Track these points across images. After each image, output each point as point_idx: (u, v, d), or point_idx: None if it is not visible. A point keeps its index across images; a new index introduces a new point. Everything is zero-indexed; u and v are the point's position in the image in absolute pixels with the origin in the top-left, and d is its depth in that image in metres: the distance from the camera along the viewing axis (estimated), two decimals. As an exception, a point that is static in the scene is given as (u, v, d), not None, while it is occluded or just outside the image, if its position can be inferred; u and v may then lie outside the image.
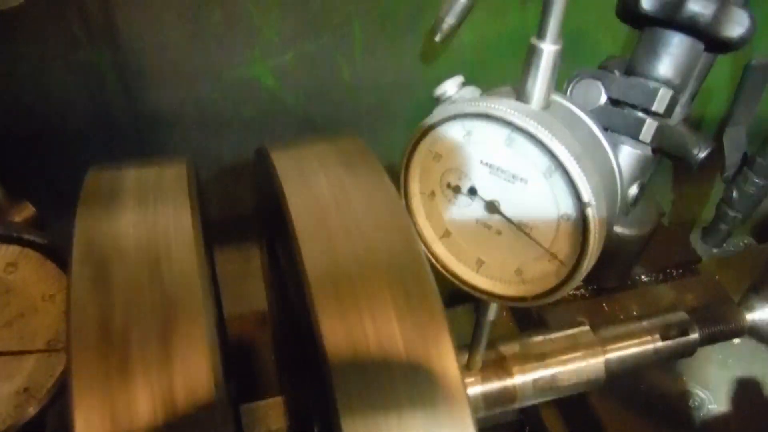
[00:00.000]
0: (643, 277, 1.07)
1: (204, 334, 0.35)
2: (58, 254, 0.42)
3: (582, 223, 0.43)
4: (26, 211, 0.45)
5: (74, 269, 0.34)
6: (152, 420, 0.32)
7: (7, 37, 0.69)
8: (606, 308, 0.99)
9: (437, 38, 0.77)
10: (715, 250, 1.13)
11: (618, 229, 0.79)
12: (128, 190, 0.44)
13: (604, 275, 0.99)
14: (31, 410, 0.44)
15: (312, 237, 0.41)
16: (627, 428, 0.82)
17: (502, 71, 0.92)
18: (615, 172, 0.46)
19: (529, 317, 0.96)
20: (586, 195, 0.42)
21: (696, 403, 0.87)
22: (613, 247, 0.63)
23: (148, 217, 0.41)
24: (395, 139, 0.93)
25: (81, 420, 0.31)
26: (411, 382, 0.36)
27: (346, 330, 0.37)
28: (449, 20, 0.78)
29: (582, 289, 1.01)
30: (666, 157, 0.51)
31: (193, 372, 0.34)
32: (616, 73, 0.50)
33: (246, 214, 0.75)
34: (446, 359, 0.37)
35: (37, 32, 0.70)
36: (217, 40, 0.77)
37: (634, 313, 0.94)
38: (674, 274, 1.06)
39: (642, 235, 0.84)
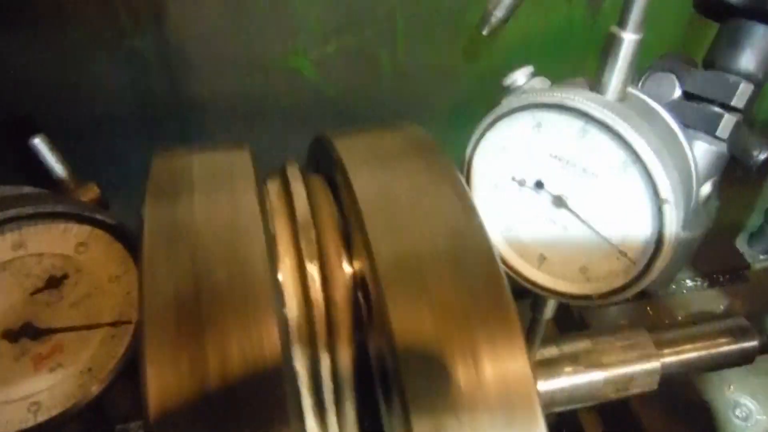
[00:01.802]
0: (688, 281, 1.04)
1: (273, 310, 0.35)
2: (125, 236, 0.42)
3: (658, 220, 0.41)
4: (92, 192, 0.45)
5: (146, 245, 0.34)
6: (221, 384, 0.32)
7: (61, 25, 0.70)
8: (650, 312, 0.96)
9: (484, 31, 0.76)
10: (762, 257, 1.10)
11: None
12: (195, 172, 0.44)
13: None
14: (94, 389, 0.44)
15: (379, 224, 0.40)
16: None
17: (545, 68, 0.90)
18: (692, 168, 0.45)
19: (570, 319, 0.94)
20: (665, 191, 0.40)
21: (743, 414, 0.85)
22: None
23: (215, 198, 0.41)
24: (435, 133, 0.92)
25: (153, 384, 0.30)
26: (482, 380, 0.35)
27: (415, 322, 0.36)
28: (498, 13, 0.76)
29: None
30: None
31: (265, 344, 0.34)
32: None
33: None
34: (519, 359, 0.36)
35: (88, 20, 0.71)
36: (261, 31, 0.76)
37: (680, 318, 0.91)
38: (721, 279, 1.03)
39: (692, 239, 0.82)
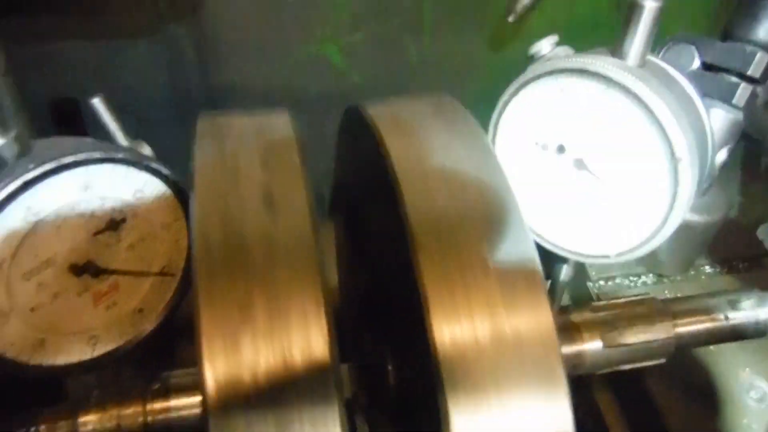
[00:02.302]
0: (707, 267, 1.05)
1: (316, 270, 0.38)
2: (177, 186, 0.46)
3: (673, 178, 0.44)
4: (144, 150, 0.49)
5: (198, 198, 0.37)
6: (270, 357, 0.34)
7: (102, 10, 0.74)
8: (668, 295, 0.97)
9: (510, 18, 0.79)
10: (782, 245, 1.11)
11: (686, 215, 0.79)
12: (240, 132, 0.47)
13: (668, 263, 0.98)
14: (145, 329, 0.48)
15: (415, 188, 0.42)
16: (685, 417, 0.81)
17: None
18: (707, 133, 0.47)
19: (586, 293, 0.95)
20: (680, 150, 0.43)
21: (758, 395, 0.86)
22: (679, 233, 0.63)
23: (260, 157, 0.44)
24: None
25: (206, 347, 0.33)
26: (509, 345, 0.37)
27: (447, 283, 0.38)
28: (524, 0, 0.79)
29: (644, 276, 1.01)
30: (745, 141, 0.51)
31: (306, 306, 0.36)
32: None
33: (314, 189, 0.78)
34: (544, 323, 0.38)
35: (127, 6, 0.74)
36: (292, 18, 0.79)
37: (696, 300, 0.92)
38: (740, 266, 1.04)
39: (710, 223, 0.84)
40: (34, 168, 0.39)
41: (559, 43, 0.50)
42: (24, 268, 0.41)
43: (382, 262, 0.57)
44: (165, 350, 0.57)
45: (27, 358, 0.43)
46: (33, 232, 0.40)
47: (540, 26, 0.87)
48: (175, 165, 0.84)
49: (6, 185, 0.38)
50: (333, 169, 0.68)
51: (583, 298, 0.95)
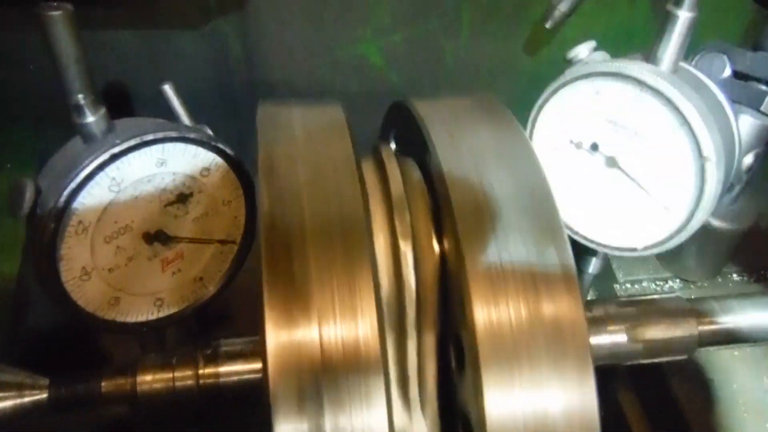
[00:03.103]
0: (734, 275, 1.05)
1: (367, 252, 0.41)
2: (238, 166, 0.51)
3: (700, 177, 0.47)
4: (206, 130, 0.53)
5: (262, 181, 0.41)
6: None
7: (154, 3, 0.78)
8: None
9: (548, 24, 0.81)
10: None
11: (714, 221, 0.80)
12: (298, 121, 0.51)
13: (695, 269, 0.99)
14: (204, 295, 0.53)
15: (458, 180, 0.45)
16: (708, 419, 0.82)
17: None
18: (735, 137, 0.50)
19: (610, 290, 0.97)
20: (707, 150, 0.46)
21: (780, 402, 0.86)
22: (706, 239, 0.64)
23: (317, 145, 0.48)
24: None
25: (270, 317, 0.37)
26: (541, 330, 0.40)
27: (487, 269, 0.41)
28: (561, 8, 0.81)
29: (670, 281, 1.02)
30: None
31: (359, 285, 0.40)
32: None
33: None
34: (575, 310, 0.40)
35: (177, 2, 0.77)
36: (334, 18, 0.81)
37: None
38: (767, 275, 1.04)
39: (739, 230, 0.85)
40: (120, 143, 0.44)
41: (595, 49, 0.53)
42: (105, 233, 0.46)
43: None
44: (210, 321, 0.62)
45: (103, 314, 0.48)
46: (115, 201, 0.46)
47: (576, 32, 0.88)
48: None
49: (96, 157, 0.43)
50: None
51: (600, 288, 0.97)
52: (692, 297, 0.97)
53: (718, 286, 1.01)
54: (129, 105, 0.82)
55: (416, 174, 0.50)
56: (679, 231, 0.50)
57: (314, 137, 0.49)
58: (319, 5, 0.80)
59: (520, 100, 0.93)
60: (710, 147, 0.45)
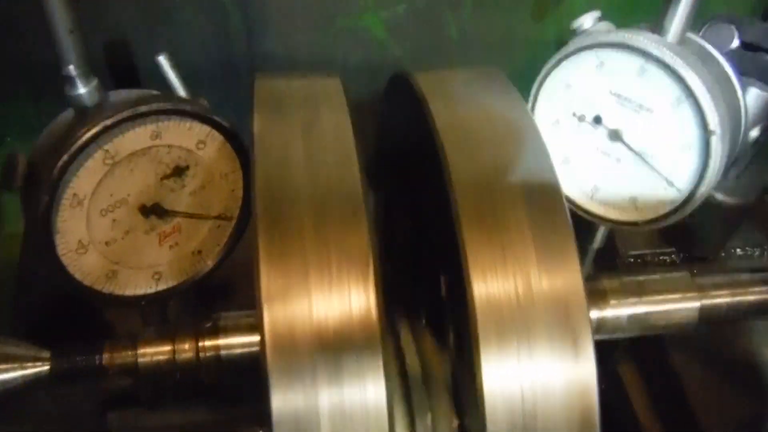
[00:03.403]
0: (738, 250, 1.05)
1: (365, 225, 0.41)
2: (236, 139, 0.50)
3: (705, 151, 0.46)
4: (203, 102, 0.52)
5: (257, 156, 0.41)
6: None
7: None
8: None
9: None
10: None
11: (719, 196, 0.80)
12: (296, 94, 0.51)
13: (698, 243, 0.99)
14: (202, 269, 0.53)
15: (458, 149, 0.45)
16: (709, 395, 0.82)
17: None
18: (741, 109, 0.49)
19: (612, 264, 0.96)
20: (713, 123, 0.45)
21: (786, 381, 0.86)
22: (710, 213, 0.63)
23: (314, 119, 0.47)
24: None
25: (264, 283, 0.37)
26: (541, 300, 0.40)
27: (486, 241, 0.41)
28: None
29: (673, 255, 1.01)
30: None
31: (354, 252, 0.40)
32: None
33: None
34: (575, 285, 0.40)
35: None
36: None
37: (725, 282, 0.93)
38: (773, 249, 1.03)
39: (743, 205, 0.84)
40: (113, 115, 0.43)
41: (600, 19, 0.52)
42: (101, 205, 0.46)
43: (422, 225, 0.61)
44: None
45: (101, 287, 0.48)
46: (110, 174, 0.45)
47: (581, 3, 0.87)
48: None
49: (88, 129, 0.42)
50: (371, 136, 0.70)
51: (604, 261, 0.96)
52: (694, 272, 0.98)
53: (721, 261, 1.01)
54: (136, 76, 0.81)
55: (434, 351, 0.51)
56: (682, 206, 0.49)
57: (311, 110, 0.49)
58: None
59: (527, 71, 0.92)
60: (716, 120, 0.44)
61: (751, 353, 0.86)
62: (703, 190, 0.47)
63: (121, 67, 0.82)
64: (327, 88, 0.53)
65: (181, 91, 0.51)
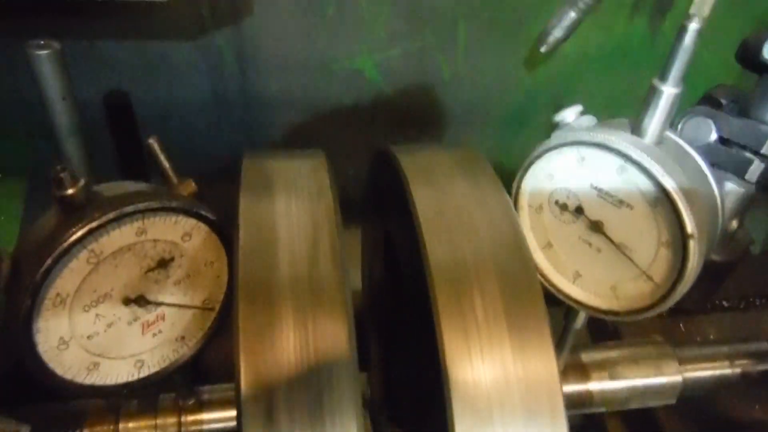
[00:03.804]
0: (724, 302, 1.06)
1: (344, 309, 0.42)
2: (220, 229, 0.51)
3: (682, 251, 0.47)
4: (190, 188, 0.53)
5: (242, 243, 0.42)
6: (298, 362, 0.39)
7: (147, 13, 0.76)
8: (683, 329, 0.99)
9: (542, 49, 0.81)
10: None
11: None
12: (279, 178, 0.51)
13: (685, 296, 0.99)
14: (185, 354, 0.53)
15: (436, 237, 0.46)
16: None
17: (600, 83, 0.93)
18: (718, 206, 0.50)
19: (604, 327, 0.98)
20: (690, 227, 0.46)
21: (768, 431, 0.87)
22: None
23: (298, 202, 0.48)
24: (487, 137, 0.97)
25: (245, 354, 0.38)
26: (516, 387, 0.41)
27: (462, 327, 0.43)
28: (556, 33, 0.81)
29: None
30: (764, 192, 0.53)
31: (332, 333, 0.41)
32: (726, 108, 0.53)
33: (344, 197, 0.81)
34: (548, 365, 0.42)
35: (173, 11, 0.76)
36: (329, 33, 0.81)
37: (711, 337, 0.94)
38: (757, 303, 1.05)
39: (728, 262, 0.85)
40: (99, 217, 0.43)
41: (582, 113, 0.53)
42: (84, 302, 0.46)
43: (401, 281, 0.61)
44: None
45: (82, 379, 0.48)
46: (94, 270, 0.45)
47: (572, 49, 0.88)
48: (211, 162, 0.88)
49: (74, 233, 0.43)
50: (363, 180, 0.70)
51: (597, 323, 0.97)
52: (681, 325, 0.98)
53: (707, 313, 1.02)
54: (131, 114, 0.83)
55: None
56: (661, 300, 0.50)
57: (295, 197, 0.50)
58: (314, 19, 0.80)
59: (518, 114, 0.94)
60: (692, 225, 0.45)
61: (735, 408, 0.87)
62: (681, 288, 0.48)
63: (120, 116, 0.83)
64: (313, 170, 0.54)
65: (170, 174, 0.52)
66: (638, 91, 0.95)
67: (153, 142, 0.52)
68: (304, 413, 0.38)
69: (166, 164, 0.52)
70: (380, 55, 0.85)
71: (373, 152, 0.64)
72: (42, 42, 0.38)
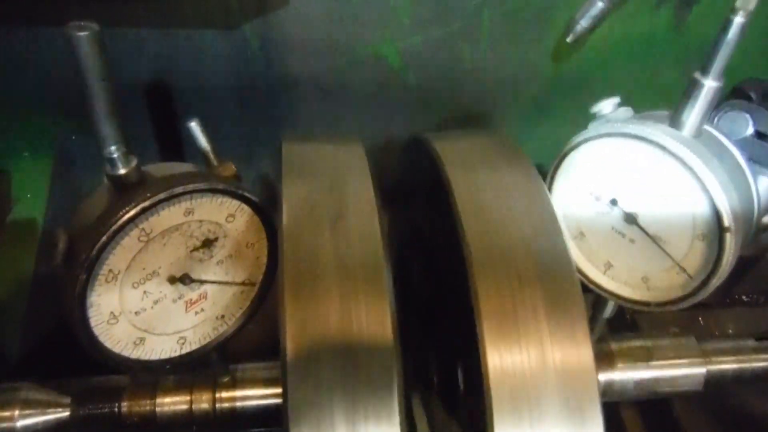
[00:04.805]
0: (743, 297, 1.06)
1: (385, 288, 0.44)
2: (263, 211, 0.52)
3: (718, 245, 0.48)
4: (230, 170, 0.54)
5: (286, 225, 0.44)
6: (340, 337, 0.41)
7: (176, 3, 0.77)
8: (701, 322, 0.99)
9: (569, 39, 0.81)
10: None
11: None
12: (319, 161, 0.53)
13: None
14: (225, 332, 0.55)
15: (474, 222, 0.47)
16: None
17: (624, 73, 0.93)
18: (754, 201, 0.51)
19: (623, 320, 0.99)
20: (728, 221, 0.46)
21: (791, 428, 0.87)
22: None
23: (339, 185, 0.50)
24: (509, 126, 0.97)
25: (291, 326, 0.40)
26: (552, 375, 0.42)
27: (500, 313, 0.44)
28: (583, 23, 0.81)
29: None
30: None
31: (375, 312, 0.42)
32: (756, 102, 0.53)
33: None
34: (584, 352, 0.43)
35: (200, 2, 0.77)
36: (354, 18, 0.82)
37: (730, 331, 0.95)
38: (777, 298, 1.05)
39: (752, 257, 0.86)
40: (151, 197, 0.45)
41: (619, 105, 0.54)
42: (134, 279, 0.48)
43: (435, 268, 0.62)
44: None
45: (129, 353, 0.50)
46: (144, 249, 0.47)
47: (596, 38, 0.87)
48: (235, 149, 0.88)
49: (127, 211, 0.44)
50: (385, 167, 0.71)
51: (619, 320, 0.98)
52: (700, 319, 0.98)
53: (727, 307, 1.02)
54: (171, 102, 0.85)
55: None
56: (694, 292, 0.50)
57: (336, 182, 0.51)
58: (340, 6, 0.80)
59: (539, 105, 0.94)
60: (730, 218, 0.46)
61: (752, 402, 0.87)
62: (715, 281, 0.49)
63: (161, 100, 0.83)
64: (350, 154, 0.55)
65: (211, 157, 0.53)
66: (661, 83, 0.95)
67: (195, 125, 0.53)
68: (348, 387, 0.40)
69: (207, 146, 0.53)
70: (404, 42, 0.85)
71: (407, 139, 0.65)
72: (82, 23, 0.39)
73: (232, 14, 0.79)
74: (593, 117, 0.54)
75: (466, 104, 0.94)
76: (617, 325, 0.96)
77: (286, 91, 0.88)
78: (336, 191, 0.50)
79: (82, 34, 0.39)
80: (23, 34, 0.75)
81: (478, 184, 0.50)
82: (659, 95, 0.86)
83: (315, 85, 0.88)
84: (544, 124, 0.99)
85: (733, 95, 0.55)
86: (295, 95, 0.89)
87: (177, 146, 0.90)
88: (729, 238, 0.47)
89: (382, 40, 0.85)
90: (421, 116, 0.95)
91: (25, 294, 0.77)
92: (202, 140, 0.53)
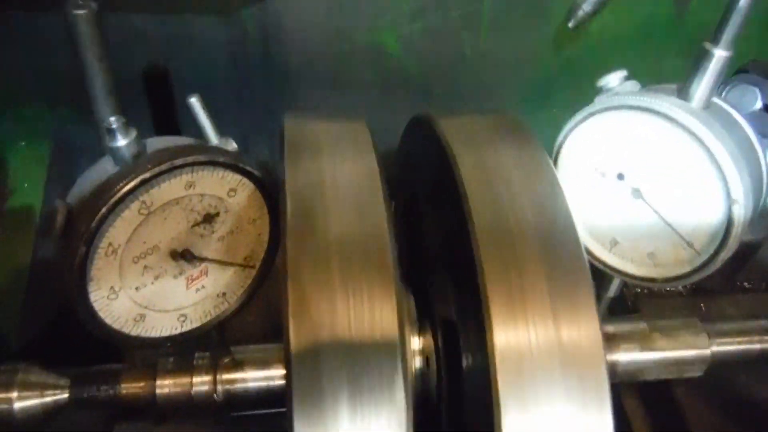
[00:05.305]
0: (746, 284, 1.06)
1: (390, 271, 0.43)
2: (265, 186, 0.51)
3: (727, 217, 0.47)
4: (230, 146, 0.53)
5: (289, 204, 0.43)
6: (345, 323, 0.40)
7: None
8: (703, 308, 0.99)
9: (571, 24, 0.80)
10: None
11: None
12: (323, 139, 0.52)
13: (708, 276, 0.99)
14: (226, 310, 0.54)
15: (481, 205, 0.46)
16: (712, 429, 0.83)
17: (624, 62, 0.93)
18: (763, 175, 0.50)
19: (623, 305, 0.98)
20: (737, 193, 0.46)
21: (793, 415, 0.87)
22: None
23: (343, 163, 0.49)
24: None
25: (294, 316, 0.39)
26: (560, 353, 0.41)
27: (507, 291, 0.43)
28: (585, 8, 0.80)
29: (680, 286, 1.02)
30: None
31: (379, 294, 0.41)
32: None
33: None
34: (592, 330, 0.42)
35: None
36: (353, 6, 0.81)
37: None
38: (779, 285, 1.04)
39: (755, 241, 0.85)
40: (151, 168, 0.44)
41: (626, 78, 0.53)
42: (134, 253, 0.47)
43: (436, 251, 0.62)
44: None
45: (129, 330, 0.49)
46: (144, 222, 0.46)
47: (596, 26, 0.87)
48: (232, 135, 0.88)
49: (127, 182, 0.43)
50: (384, 152, 0.70)
51: (619, 304, 0.97)
52: (702, 305, 0.98)
53: (728, 293, 1.01)
54: (168, 85, 0.84)
55: None
56: (701, 267, 0.50)
57: (340, 160, 0.50)
58: None
59: (539, 93, 0.94)
60: (739, 190, 0.45)
61: (754, 388, 0.87)
62: (723, 255, 0.48)
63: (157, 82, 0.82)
64: (354, 132, 0.54)
65: (211, 133, 0.52)
66: (662, 71, 0.94)
67: (195, 100, 0.52)
68: (351, 372, 0.39)
69: (207, 122, 0.52)
70: (403, 29, 0.85)
71: (409, 120, 0.64)
72: (81, 2, 0.39)
73: (232, 1, 0.78)
74: (599, 91, 0.53)
75: (465, 92, 0.94)
76: (618, 311, 0.96)
77: (284, 78, 0.87)
78: (340, 169, 0.49)
79: (80, 12, 0.39)
80: (20, 21, 0.74)
81: (484, 161, 0.49)
82: (660, 83, 0.85)
83: (314, 73, 0.88)
84: (544, 111, 0.98)
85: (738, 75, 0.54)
86: (293, 83, 0.89)
87: (174, 133, 0.89)
88: (737, 210, 0.46)
89: (381, 27, 0.84)
90: (421, 103, 0.94)
91: (23, 283, 0.76)
92: (203, 116, 0.52)
